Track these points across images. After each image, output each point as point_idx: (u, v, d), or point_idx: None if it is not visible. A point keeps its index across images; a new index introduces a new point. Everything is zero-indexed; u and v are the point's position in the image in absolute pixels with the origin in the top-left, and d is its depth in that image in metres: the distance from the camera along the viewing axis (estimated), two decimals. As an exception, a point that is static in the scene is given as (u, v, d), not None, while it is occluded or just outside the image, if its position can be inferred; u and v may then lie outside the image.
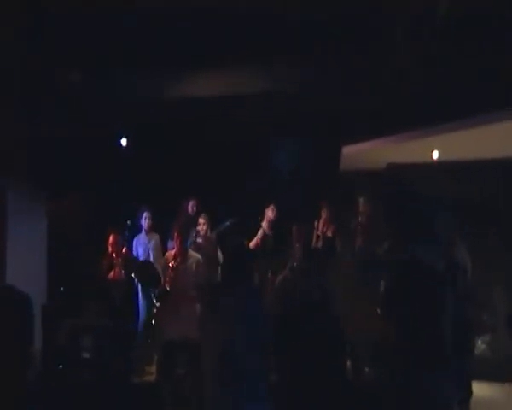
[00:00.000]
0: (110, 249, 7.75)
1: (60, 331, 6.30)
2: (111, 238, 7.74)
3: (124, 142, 9.76)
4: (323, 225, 8.76)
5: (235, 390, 3.82)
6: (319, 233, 8.63)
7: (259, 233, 8.65)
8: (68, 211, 9.01)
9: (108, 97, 8.54)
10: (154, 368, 7.06)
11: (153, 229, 8.55)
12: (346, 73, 8.28)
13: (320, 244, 8.47)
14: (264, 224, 8.81)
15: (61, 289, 7.72)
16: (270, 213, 8.83)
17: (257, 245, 8.52)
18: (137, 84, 8.51)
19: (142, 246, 8.48)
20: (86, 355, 5.97)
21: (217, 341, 3.91)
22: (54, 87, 8.00)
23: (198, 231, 8.33)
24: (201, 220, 8.41)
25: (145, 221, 8.48)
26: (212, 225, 8.56)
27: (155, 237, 8.51)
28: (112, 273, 7.62)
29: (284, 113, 9.01)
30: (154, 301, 7.10)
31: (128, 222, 8.48)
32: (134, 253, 8.40)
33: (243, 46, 7.83)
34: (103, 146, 9.24)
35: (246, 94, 8.59)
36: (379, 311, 4.04)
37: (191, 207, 8.90)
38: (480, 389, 4.62)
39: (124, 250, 7.91)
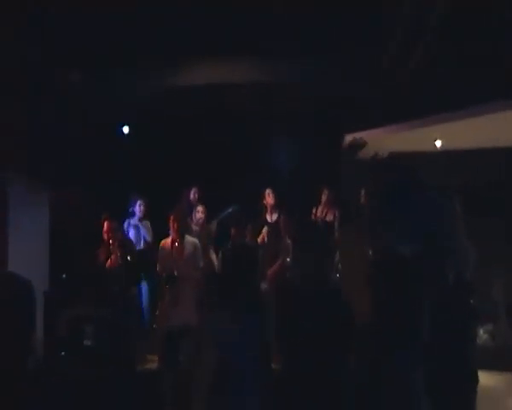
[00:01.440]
0: (106, 237, 7.74)
1: (61, 319, 6.30)
2: (105, 225, 7.72)
3: (125, 130, 9.76)
4: (323, 210, 8.76)
5: (230, 402, 3.75)
6: (318, 218, 8.61)
7: (264, 230, 8.61)
8: (69, 200, 9.02)
9: (108, 88, 8.55)
10: (156, 356, 7.06)
11: (146, 216, 8.63)
12: (346, 63, 8.28)
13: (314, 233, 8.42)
14: (268, 215, 8.80)
15: (63, 276, 7.73)
16: (269, 198, 8.81)
17: (263, 241, 8.50)
18: (137, 74, 8.52)
19: (134, 229, 8.58)
20: (88, 343, 5.98)
21: (212, 357, 3.82)
22: (53, 80, 8.00)
23: (197, 219, 8.34)
24: (200, 208, 8.42)
25: (139, 208, 8.59)
26: (209, 214, 8.56)
27: (147, 224, 8.65)
28: (109, 261, 7.61)
29: (284, 100, 9.02)
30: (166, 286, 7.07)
31: (130, 210, 8.56)
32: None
33: (243, 41, 7.84)
34: (103, 135, 9.25)
35: (245, 84, 8.60)
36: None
37: (193, 194, 8.91)
38: (481, 378, 4.60)
39: (120, 235, 7.90)
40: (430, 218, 4.31)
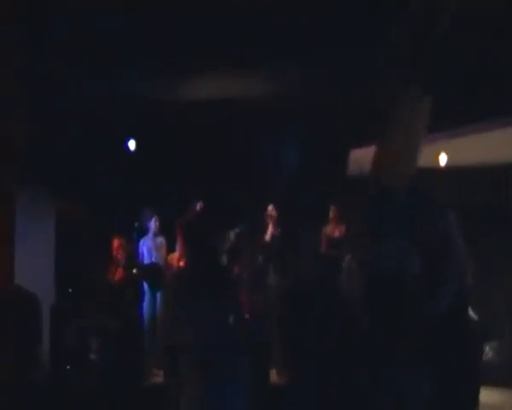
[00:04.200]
0: (115, 253, 7.78)
1: (67, 332, 6.31)
2: (115, 243, 7.76)
3: (132, 145, 9.80)
4: (332, 227, 8.78)
5: (213, 388, 3.74)
6: (328, 235, 8.63)
7: (270, 228, 8.61)
8: (76, 214, 9.05)
9: (115, 99, 8.58)
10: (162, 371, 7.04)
11: (160, 232, 8.62)
12: (348, 76, 8.31)
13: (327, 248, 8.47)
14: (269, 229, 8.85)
15: (70, 290, 7.74)
16: (270, 214, 8.86)
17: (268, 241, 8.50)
18: (142, 86, 8.55)
19: (147, 247, 8.54)
20: (93, 357, 5.98)
21: (192, 339, 3.81)
22: (62, 91, 8.04)
23: None
24: None
25: (154, 224, 8.56)
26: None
27: (161, 240, 8.59)
28: (117, 276, 7.63)
29: (287, 115, 9.05)
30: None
31: (135, 224, 8.56)
32: (140, 254, 8.46)
33: (245, 47, 7.86)
34: (111, 149, 9.28)
35: (250, 95, 8.63)
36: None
37: (194, 208, 8.93)
38: (487, 395, 4.60)
39: (128, 251, 7.93)
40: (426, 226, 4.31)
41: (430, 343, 4.13)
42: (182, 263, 6.65)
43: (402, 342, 3.66)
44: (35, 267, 7.69)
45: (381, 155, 6.63)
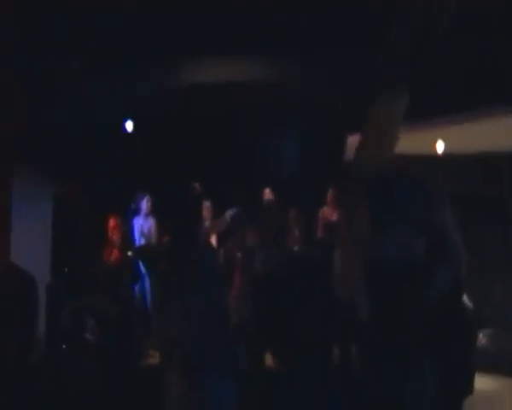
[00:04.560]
0: (110, 234, 7.77)
1: (63, 312, 6.32)
2: (111, 222, 7.75)
3: (129, 126, 9.78)
4: (329, 210, 8.79)
5: (199, 374, 3.71)
6: (325, 218, 8.64)
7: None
8: (73, 194, 9.04)
9: (112, 83, 8.56)
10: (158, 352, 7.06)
11: (152, 213, 8.61)
12: (348, 63, 8.31)
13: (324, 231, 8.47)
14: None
15: (66, 270, 7.74)
16: (267, 197, 8.86)
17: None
18: (141, 70, 8.53)
19: (137, 228, 8.57)
20: (90, 337, 6.00)
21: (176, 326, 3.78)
22: (57, 72, 8.00)
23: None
24: (206, 204, 8.43)
25: (146, 205, 8.53)
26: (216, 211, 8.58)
27: (151, 221, 8.61)
28: (112, 257, 7.63)
29: (287, 100, 9.04)
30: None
31: (132, 205, 8.57)
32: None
33: (246, 33, 7.85)
34: (107, 130, 9.27)
35: (249, 80, 8.61)
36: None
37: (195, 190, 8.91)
38: (481, 382, 4.62)
39: (123, 232, 7.94)
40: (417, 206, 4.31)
41: (425, 331, 4.17)
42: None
43: (399, 330, 3.66)
44: (31, 247, 7.69)
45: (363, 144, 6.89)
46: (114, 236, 7.59)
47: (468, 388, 4.30)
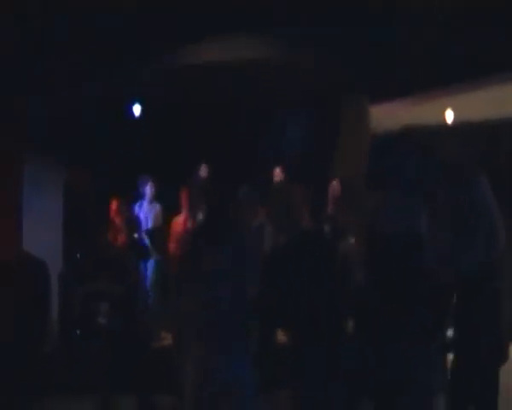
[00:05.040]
0: (112, 217, 7.77)
1: (75, 298, 6.37)
2: (113, 205, 7.75)
3: (136, 109, 9.79)
4: (338, 186, 8.75)
5: (216, 347, 3.75)
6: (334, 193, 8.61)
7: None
8: (83, 180, 9.09)
9: (118, 68, 8.56)
10: (169, 333, 7.11)
11: (155, 198, 8.64)
12: (356, 35, 8.24)
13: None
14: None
15: (78, 256, 7.80)
16: (277, 176, 8.85)
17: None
18: (147, 55, 8.51)
19: (144, 213, 8.57)
20: (103, 321, 6.05)
21: (197, 298, 3.80)
22: (66, 60, 8.01)
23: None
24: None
25: (149, 190, 8.56)
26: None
27: (157, 207, 8.61)
28: (118, 240, 7.65)
29: (296, 76, 9.00)
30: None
31: (140, 190, 8.60)
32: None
33: (250, 22, 7.82)
34: (114, 115, 9.28)
35: (255, 63, 8.58)
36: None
37: (203, 171, 8.92)
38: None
39: (127, 215, 7.95)
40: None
41: (458, 309, 4.17)
42: (189, 224, 6.67)
43: (410, 312, 3.63)
44: (43, 234, 7.76)
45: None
46: (116, 219, 7.59)
47: (503, 355, 4.30)
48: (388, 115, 9.21)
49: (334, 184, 8.68)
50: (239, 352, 3.80)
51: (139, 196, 8.62)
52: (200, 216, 6.80)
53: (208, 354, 3.76)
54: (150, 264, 8.21)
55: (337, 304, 4.12)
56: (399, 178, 3.76)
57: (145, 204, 8.62)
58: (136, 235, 7.34)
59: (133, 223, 7.62)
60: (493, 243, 4.17)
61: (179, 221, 6.82)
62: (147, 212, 8.58)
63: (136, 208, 8.60)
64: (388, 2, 7.64)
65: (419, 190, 3.90)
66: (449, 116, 9.29)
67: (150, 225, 8.38)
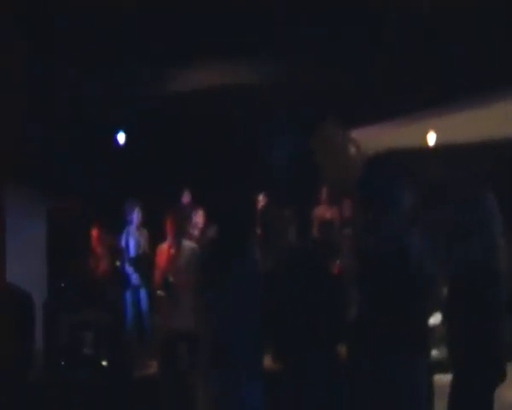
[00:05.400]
0: (93, 245, 7.71)
1: (60, 328, 6.33)
2: (94, 233, 7.70)
3: (120, 137, 9.79)
4: (322, 209, 8.80)
5: (228, 374, 3.74)
6: (318, 217, 8.65)
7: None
8: (66, 209, 9.05)
9: (103, 95, 8.58)
10: (155, 362, 7.07)
11: (143, 224, 8.60)
12: (340, 59, 8.32)
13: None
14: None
15: (62, 285, 7.75)
16: (260, 203, 8.85)
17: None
18: (132, 80, 8.54)
19: (134, 239, 8.50)
20: (88, 351, 6.01)
21: (208, 325, 3.82)
22: (51, 88, 8.02)
23: (196, 223, 8.32)
24: (199, 212, 8.41)
25: (136, 216, 8.53)
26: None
27: (144, 233, 8.57)
28: (99, 269, 7.61)
29: (279, 101, 9.06)
30: (158, 292, 7.07)
31: (127, 218, 8.57)
32: (124, 245, 8.42)
33: (234, 40, 7.86)
34: (99, 143, 9.29)
35: (237, 87, 8.63)
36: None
37: (185, 198, 8.92)
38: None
39: (109, 243, 7.91)
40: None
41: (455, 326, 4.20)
42: (173, 252, 6.65)
43: (396, 324, 3.64)
44: (27, 264, 7.70)
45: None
46: (98, 247, 7.54)
47: (501, 375, 4.29)
48: (371, 138, 9.29)
49: (319, 208, 8.75)
50: (251, 379, 3.78)
51: (126, 223, 8.57)
52: (185, 243, 6.79)
53: (220, 381, 3.75)
54: (136, 292, 8.17)
55: (330, 325, 4.15)
56: (388, 199, 3.79)
57: (132, 230, 8.59)
58: (118, 263, 7.28)
59: (115, 251, 7.57)
60: (492, 257, 4.21)
61: (163, 249, 6.80)
62: (135, 238, 8.54)
63: (124, 235, 8.55)
64: (374, 27, 7.73)
65: (407, 209, 3.94)
66: (431, 138, 9.38)
67: (139, 251, 8.31)
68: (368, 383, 3.67)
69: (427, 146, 9.41)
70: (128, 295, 7.99)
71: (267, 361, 4.50)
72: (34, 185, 8.41)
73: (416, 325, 3.68)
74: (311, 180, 9.18)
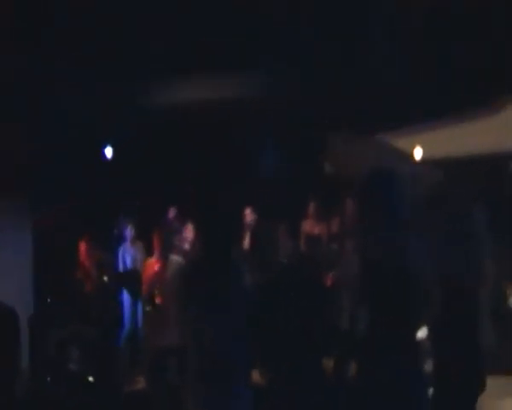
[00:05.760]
0: (82, 260, 7.66)
1: (46, 344, 6.26)
2: (82, 246, 7.65)
3: (108, 152, 9.76)
4: (310, 223, 8.79)
5: (216, 388, 3.72)
6: (305, 232, 8.64)
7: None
8: (52, 223, 8.99)
9: (92, 109, 8.55)
10: (142, 377, 7.02)
11: (136, 238, 8.56)
12: (328, 76, 8.36)
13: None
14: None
15: (48, 300, 7.68)
16: (247, 217, 8.82)
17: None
18: (121, 94, 8.52)
19: (130, 255, 8.46)
20: (74, 367, 5.94)
21: (196, 339, 3.79)
22: (38, 100, 7.98)
23: (185, 238, 8.29)
24: (188, 227, 8.37)
25: (129, 232, 8.49)
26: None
27: (139, 246, 8.52)
28: (88, 284, 7.55)
29: (267, 117, 9.07)
30: (146, 307, 7.03)
31: (114, 231, 8.52)
32: (120, 262, 8.37)
33: (228, 52, 7.88)
34: (86, 157, 9.25)
35: (227, 100, 8.64)
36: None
37: (171, 213, 8.88)
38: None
39: (98, 258, 7.85)
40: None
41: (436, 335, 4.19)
42: (160, 266, 6.63)
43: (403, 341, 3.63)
44: (13, 280, 7.62)
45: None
46: (86, 261, 7.49)
47: (481, 386, 4.30)
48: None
49: (307, 223, 8.74)
50: (240, 392, 3.76)
51: (120, 239, 8.51)
52: (173, 257, 6.76)
53: (208, 395, 3.74)
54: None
55: (319, 335, 4.16)
56: (386, 209, 3.80)
57: (128, 246, 8.50)
58: (105, 278, 7.22)
59: (103, 266, 7.52)
60: (477, 271, 4.24)
61: (151, 263, 6.78)
62: (131, 254, 8.44)
63: (120, 252, 8.44)
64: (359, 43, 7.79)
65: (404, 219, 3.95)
66: (417, 153, 9.44)
67: (136, 266, 8.24)
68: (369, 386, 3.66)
69: (416, 159, 9.46)
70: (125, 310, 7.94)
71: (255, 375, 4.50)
72: (20, 199, 8.35)
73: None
74: (300, 194, 9.19)
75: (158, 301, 6.40)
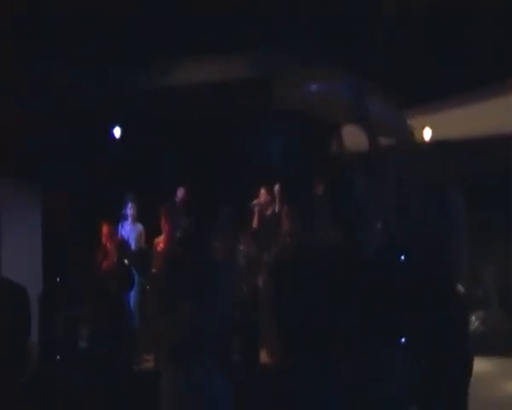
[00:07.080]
0: (104, 241, 7.72)
1: (56, 322, 6.32)
2: (104, 229, 7.70)
3: (117, 131, 9.77)
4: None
5: (192, 371, 3.76)
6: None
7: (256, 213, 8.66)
8: (61, 202, 9.03)
9: (99, 88, 8.55)
10: (152, 356, 7.10)
11: (137, 219, 8.60)
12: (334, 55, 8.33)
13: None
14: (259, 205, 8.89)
15: (58, 279, 7.73)
16: (263, 196, 8.89)
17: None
18: (128, 75, 8.52)
19: (126, 235, 8.49)
20: (83, 345, 6.00)
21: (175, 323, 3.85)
22: (44, 82, 7.99)
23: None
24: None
25: (130, 211, 8.52)
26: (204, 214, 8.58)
27: (138, 228, 8.57)
28: (106, 264, 7.59)
29: (271, 99, 9.05)
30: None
31: (123, 212, 8.54)
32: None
33: (231, 35, 7.86)
34: (95, 136, 9.27)
35: (234, 82, 8.62)
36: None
37: (180, 194, 8.92)
38: (475, 364, 4.64)
39: (118, 238, 7.89)
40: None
41: (418, 318, 4.20)
42: (163, 245, 6.67)
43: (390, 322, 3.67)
44: (22, 258, 7.70)
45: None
46: (109, 243, 7.53)
47: (468, 373, 4.31)
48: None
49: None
50: (216, 370, 3.81)
51: (123, 218, 8.56)
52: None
53: (190, 372, 3.77)
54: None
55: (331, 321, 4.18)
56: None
57: (127, 225, 8.57)
58: (126, 260, 7.22)
59: (125, 248, 7.52)
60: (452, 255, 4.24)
61: (160, 242, 6.83)
62: (129, 233, 8.50)
63: (119, 229, 8.53)
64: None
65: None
66: (427, 134, 9.39)
67: (133, 246, 8.29)
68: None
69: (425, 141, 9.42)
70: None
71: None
72: (29, 178, 8.40)
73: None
74: (308, 176, 9.19)
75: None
